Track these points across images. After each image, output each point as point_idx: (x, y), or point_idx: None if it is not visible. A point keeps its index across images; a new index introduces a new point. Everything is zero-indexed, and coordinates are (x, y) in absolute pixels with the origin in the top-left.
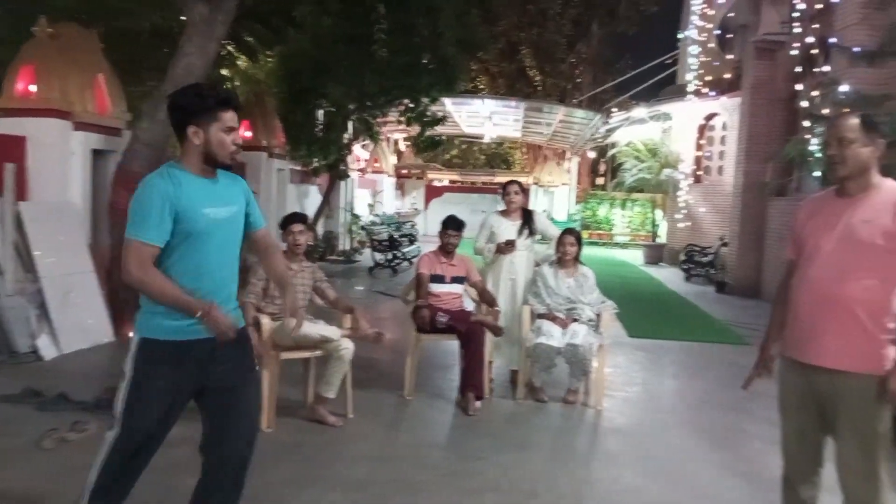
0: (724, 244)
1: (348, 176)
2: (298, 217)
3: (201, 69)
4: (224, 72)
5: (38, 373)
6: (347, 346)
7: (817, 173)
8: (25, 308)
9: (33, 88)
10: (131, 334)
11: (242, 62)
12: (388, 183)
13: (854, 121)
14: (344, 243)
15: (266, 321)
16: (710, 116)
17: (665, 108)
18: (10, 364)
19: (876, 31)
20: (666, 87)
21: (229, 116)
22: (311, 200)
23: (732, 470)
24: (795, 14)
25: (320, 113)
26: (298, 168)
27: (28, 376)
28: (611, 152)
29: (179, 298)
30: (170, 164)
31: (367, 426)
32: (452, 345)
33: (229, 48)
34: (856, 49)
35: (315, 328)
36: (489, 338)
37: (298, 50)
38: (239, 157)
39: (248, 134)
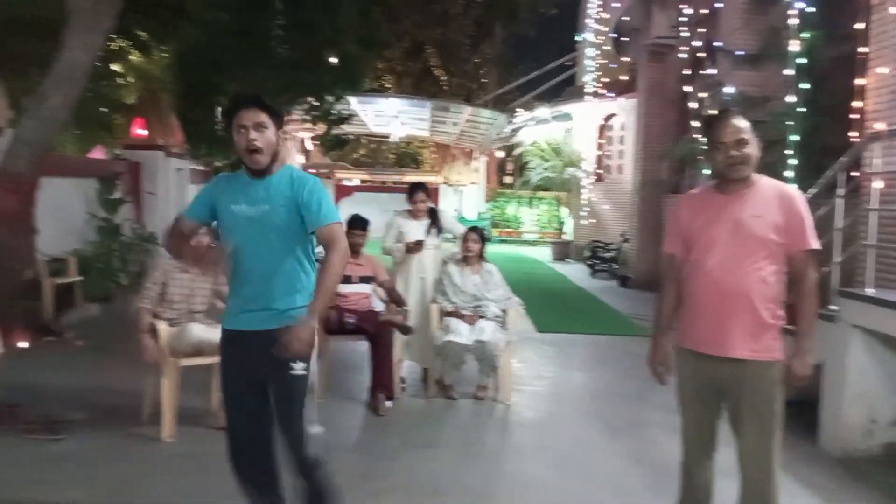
0: (626, 240)
1: None
2: None
3: (86, 64)
4: (115, 67)
5: None
6: None
7: (707, 171)
8: None
9: None
10: (20, 344)
11: (135, 57)
12: None
13: (746, 122)
14: None
15: (163, 327)
16: (609, 117)
17: (566, 108)
18: None
19: (756, 35)
20: (567, 87)
21: (240, 115)
22: None
23: (633, 458)
24: (683, 19)
25: (221, 111)
26: (200, 168)
27: None
28: (517, 151)
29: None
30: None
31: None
32: (362, 345)
33: (121, 42)
34: (738, 52)
35: (216, 333)
36: (400, 337)
37: (192, 45)
38: (260, 159)
39: (144, 132)
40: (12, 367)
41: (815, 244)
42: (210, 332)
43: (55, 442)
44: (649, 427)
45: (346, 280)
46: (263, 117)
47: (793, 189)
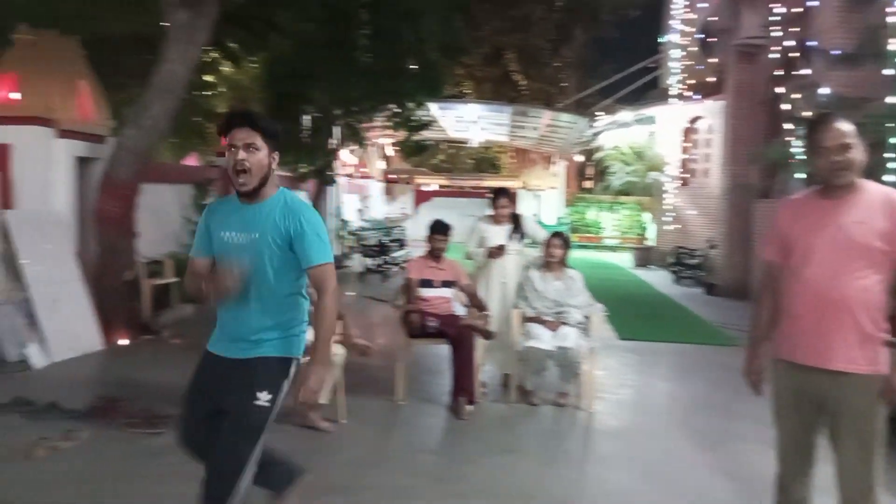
0: (713, 246)
1: (335, 181)
2: None
3: (183, 75)
4: (209, 78)
5: (28, 381)
6: (338, 352)
7: (800, 175)
8: (14, 317)
9: (15, 96)
10: (120, 341)
11: (227, 68)
12: (376, 188)
13: (850, 125)
14: (333, 248)
15: None
16: (695, 119)
17: (649, 111)
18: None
19: (853, 33)
20: (650, 90)
21: (232, 134)
22: None
23: (722, 471)
24: (774, 18)
25: (307, 119)
26: (286, 174)
27: (18, 385)
28: (597, 156)
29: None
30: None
31: (359, 431)
32: (443, 349)
33: (213, 54)
34: (834, 51)
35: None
36: (481, 342)
37: (282, 55)
38: (247, 180)
39: None
40: (113, 364)
41: None
42: None
43: (155, 435)
44: (739, 440)
45: (429, 284)
46: (256, 138)
47: None
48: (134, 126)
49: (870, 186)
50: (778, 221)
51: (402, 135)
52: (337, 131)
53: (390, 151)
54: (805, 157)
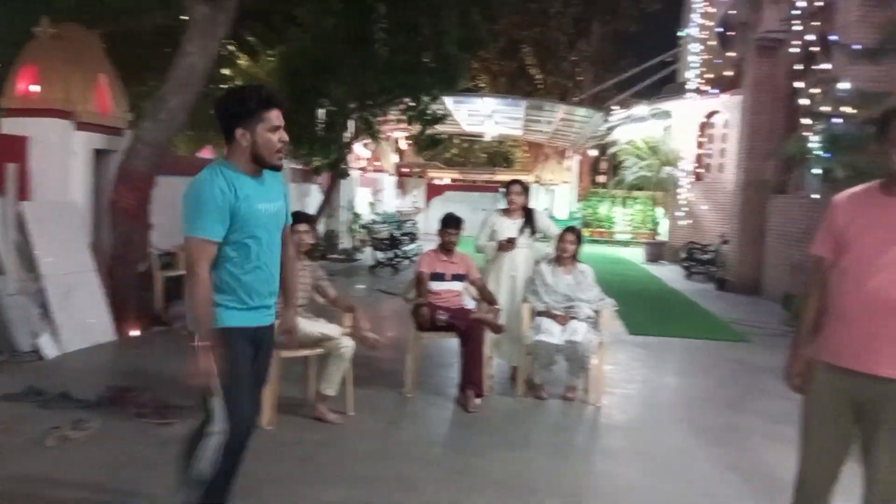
0: (725, 242)
1: (349, 175)
2: (304, 217)
3: (203, 69)
4: (225, 71)
5: (39, 371)
6: (347, 345)
7: (817, 171)
8: (27, 307)
9: (35, 89)
10: (132, 332)
11: (243, 61)
12: (389, 182)
13: None
14: (345, 242)
15: None
16: (711, 114)
17: (666, 105)
18: (11, 363)
19: (875, 28)
20: (667, 84)
21: (274, 115)
22: (312, 199)
23: (731, 466)
24: (795, 12)
25: (321, 112)
26: (300, 167)
27: (30, 375)
28: (611, 150)
29: (204, 317)
30: (219, 162)
31: (368, 423)
32: (452, 342)
33: (231, 47)
34: (856, 46)
35: (315, 326)
36: (489, 335)
37: (300, 49)
38: (282, 156)
39: None
40: (125, 354)
41: None
42: (311, 326)
43: (165, 426)
44: (749, 436)
45: (440, 278)
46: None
47: None
48: (151, 119)
49: None
50: (833, 216)
51: (415, 128)
52: (351, 125)
53: (403, 145)
54: (878, 151)
